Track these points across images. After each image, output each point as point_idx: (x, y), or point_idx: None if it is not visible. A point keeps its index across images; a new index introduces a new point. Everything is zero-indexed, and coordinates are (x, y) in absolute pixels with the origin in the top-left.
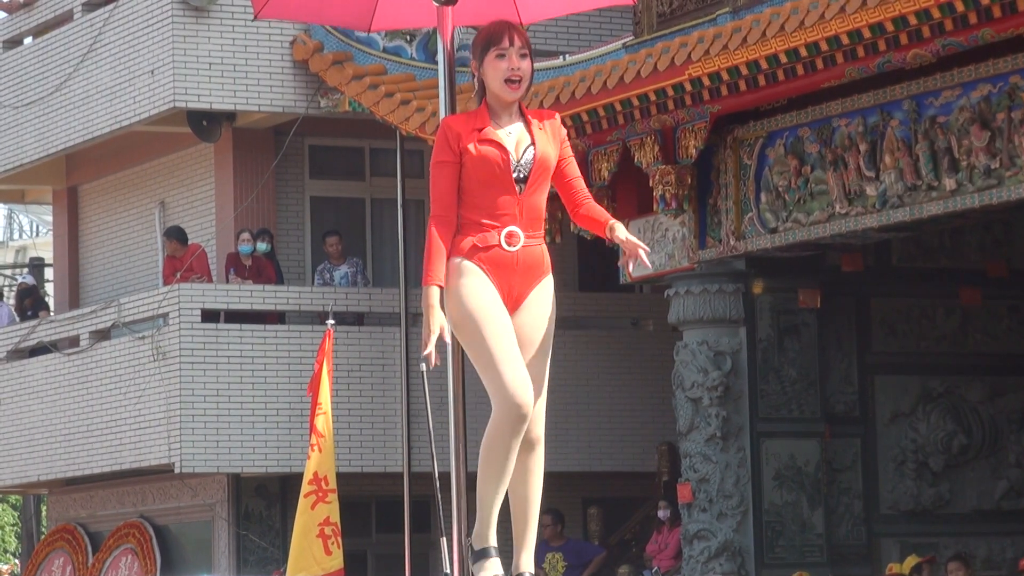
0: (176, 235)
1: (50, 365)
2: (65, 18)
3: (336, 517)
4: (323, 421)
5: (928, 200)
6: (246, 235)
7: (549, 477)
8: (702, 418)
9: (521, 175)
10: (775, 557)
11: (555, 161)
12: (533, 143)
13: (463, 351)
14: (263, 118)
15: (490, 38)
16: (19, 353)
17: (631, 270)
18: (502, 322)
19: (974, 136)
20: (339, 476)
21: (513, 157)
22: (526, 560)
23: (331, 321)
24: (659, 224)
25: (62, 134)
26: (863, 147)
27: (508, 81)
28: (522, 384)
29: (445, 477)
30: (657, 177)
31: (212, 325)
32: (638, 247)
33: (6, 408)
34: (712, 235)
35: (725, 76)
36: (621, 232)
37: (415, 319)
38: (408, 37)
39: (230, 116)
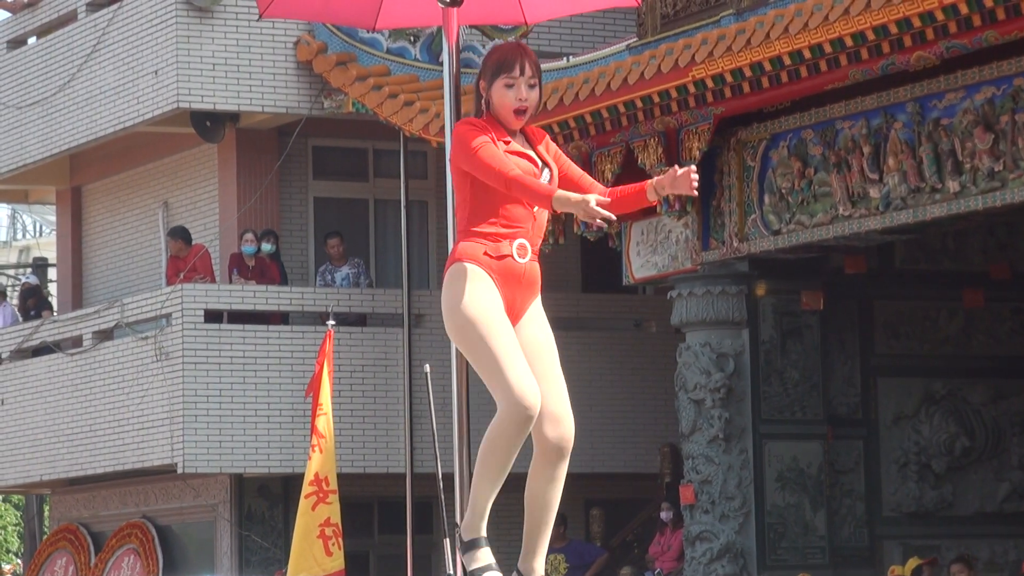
0: (180, 235)
1: (53, 365)
2: (69, 18)
3: (337, 518)
4: (324, 422)
5: (931, 202)
6: (249, 236)
7: None
8: (705, 420)
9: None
10: (777, 559)
11: (559, 173)
12: (547, 164)
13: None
14: (267, 119)
15: (502, 64)
16: (22, 353)
17: (692, 188)
18: (507, 326)
19: (978, 138)
20: (341, 477)
21: (542, 174)
22: (539, 564)
23: (331, 322)
24: (662, 226)
25: (66, 134)
26: (866, 149)
27: (516, 112)
28: (530, 386)
29: (448, 478)
30: None
31: (215, 325)
32: (688, 173)
33: (9, 408)
34: (715, 237)
35: (729, 78)
36: (666, 179)
37: (417, 320)
38: (412, 38)
39: (234, 117)
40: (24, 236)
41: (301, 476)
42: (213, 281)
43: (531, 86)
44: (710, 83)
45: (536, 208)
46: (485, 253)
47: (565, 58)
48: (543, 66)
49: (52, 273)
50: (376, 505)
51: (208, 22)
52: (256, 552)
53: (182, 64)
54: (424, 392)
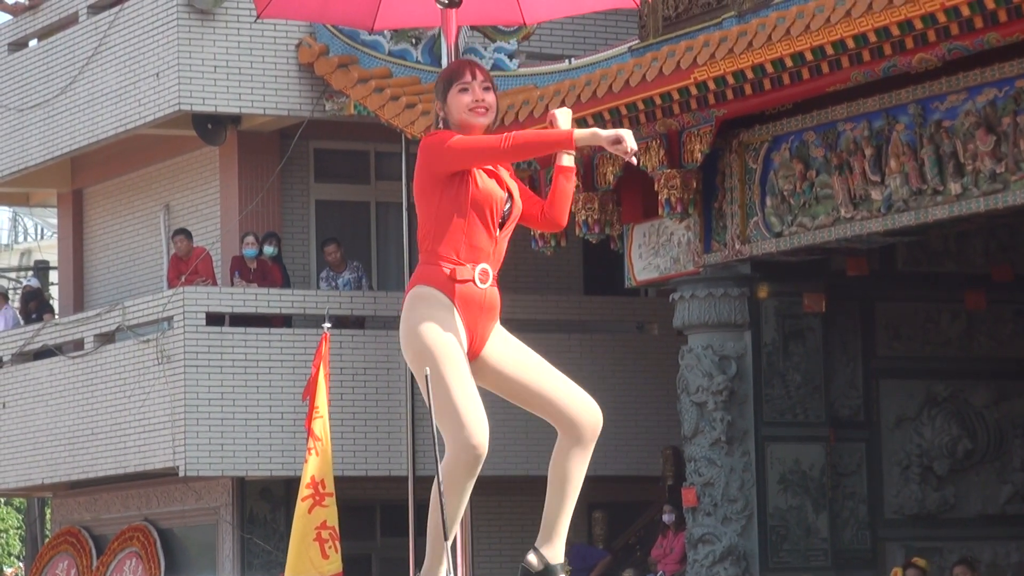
0: (186, 232)
1: (55, 368)
2: (70, 21)
3: (334, 521)
4: (320, 425)
5: (933, 204)
6: (251, 238)
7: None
8: (707, 422)
9: (503, 218)
10: (780, 561)
11: (520, 204)
12: (508, 190)
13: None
14: (268, 121)
15: (452, 75)
16: (24, 356)
17: (632, 158)
18: (462, 362)
19: (979, 140)
20: (344, 480)
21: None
22: (560, 549)
23: (327, 325)
24: (664, 228)
25: (67, 137)
26: (868, 151)
27: (475, 112)
28: (479, 424)
29: None
30: (662, 181)
31: (216, 328)
32: (619, 134)
33: (11, 411)
34: (717, 239)
35: (730, 80)
36: (592, 132)
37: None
38: (413, 40)
39: (235, 119)
40: (25, 239)
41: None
42: (215, 284)
43: (485, 88)
44: (712, 85)
45: (497, 232)
46: (447, 277)
47: (567, 60)
48: (545, 68)
49: (53, 276)
50: (378, 508)
51: (209, 24)
52: (258, 555)
53: (183, 66)
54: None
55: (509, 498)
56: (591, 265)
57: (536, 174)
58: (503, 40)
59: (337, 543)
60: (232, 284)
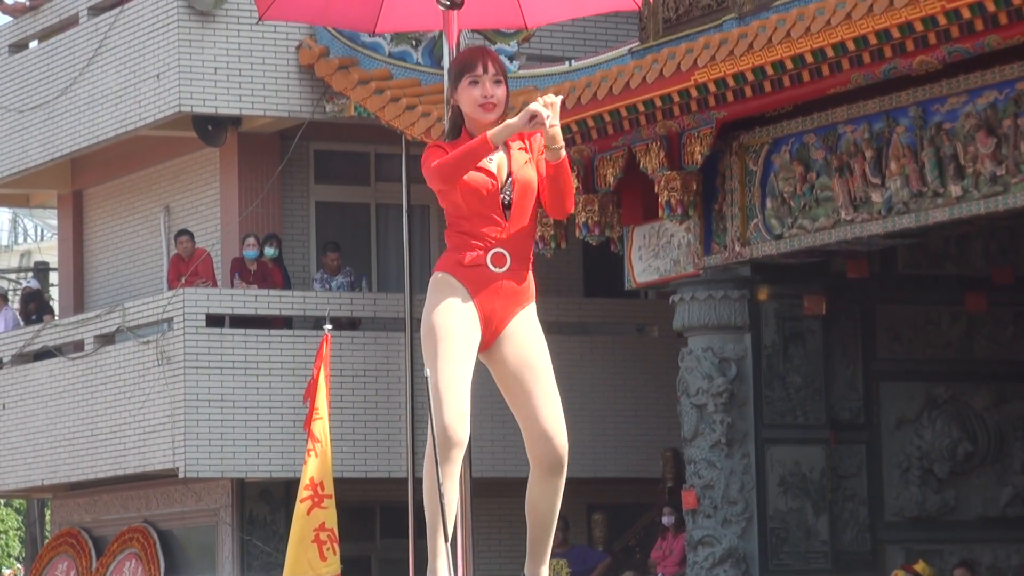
0: (189, 233)
1: (55, 369)
2: (70, 22)
3: (333, 523)
4: (320, 426)
5: (934, 207)
6: (252, 240)
7: None
8: (707, 424)
9: (506, 200)
10: (779, 564)
11: (537, 180)
12: (509, 164)
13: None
14: (268, 123)
15: (464, 65)
16: (24, 357)
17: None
18: (461, 347)
19: (980, 143)
20: (343, 481)
21: (501, 180)
22: (543, 570)
23: (328, 326)
24: (664, 230)
25: (67, 138)
26: (869, 153)
27: (483, 108)
28: (458, 413)
29: None
30: (663, 183)
31: (216, 330)
32: (535, 109)
33: (10, 412)
34: (717, 241)
35: (731, 82)
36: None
37: (418, 325)
38: (414, 42)
39: (235, 121)
40: (25, 240)
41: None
42: (215, 285)
43: (496, 82)
44: (712, 87)
45: (508, 218)
46: (459, 262)
47: (567, 62)
48: (546, 70)
49: (53, 277)
50: (378, 509)
51: (210, 26)
52: (258, 557)
53: (184, 68)
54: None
55: (510, 500)
56: (591, 267)
57: None
58: (503, 42)
59: (336, 545)
60: (232, 285)
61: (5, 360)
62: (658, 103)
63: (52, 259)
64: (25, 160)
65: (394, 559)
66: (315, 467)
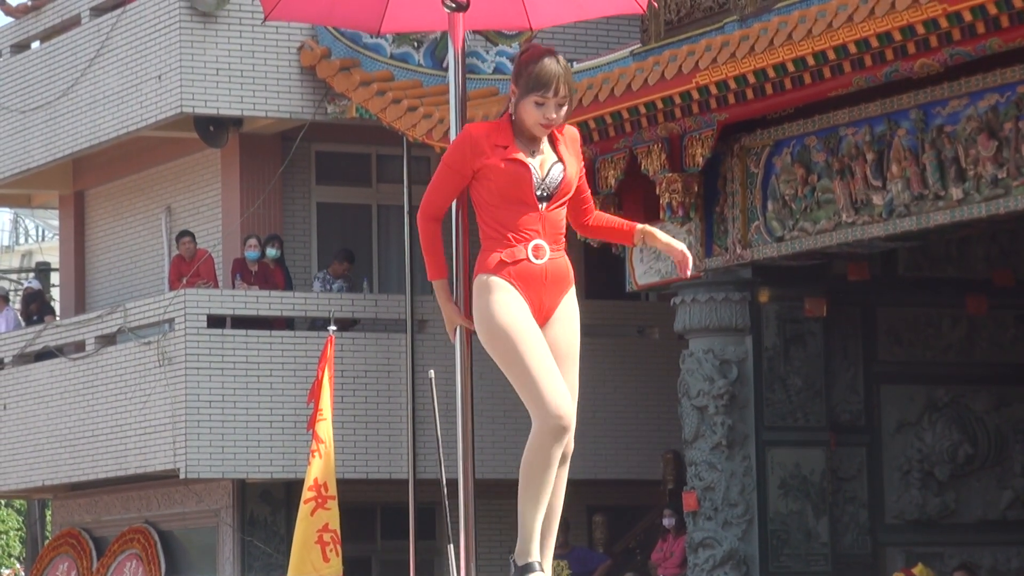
0: (191, 234)
1: (56, 370)
2: (72, 23)
3: (335, 524)
4: (324, 427)
5: (935, 209)
6: (253, 241)
7: None
8: (708, 426)
9: (545, 193)
10: (780, 566)
11: (578, 177)
12: (561, 160)
13: (471, 356)
14: (270, 124)
15: (537, 81)
16: (25, 358)
17: (687, 273)
18: (536, 336)
19: (981, 146)
20: (344, 482)
21: (537, 176)
22: (546, 566)
23: (332, 327)
24: (666, 232)
25: (69, 139)
26: (870, 156)
27: (542, 125)
28: (562, 396)
29: (453, 484)
30: (664, 185)
31: (218, 330)
32: (684, 252)
33: (11, 412)
34: (718, 243)
35: (732, 84)
36: (662, 236)
37: (420, 325)
38: (415, 43)
39: (237, 122)
40: (27, 240)
41: (303, 481)
42: (216, 286)
43: (560, 105)
44: (714, 89)
45: (543, 206)
46: (501, 261)
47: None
48: None
49: (55, 278)
50: (379, 511)
51: (212, 27)
52: (258, 557)
53: (186, 69)
54: (427, 398)
55: (512, 501)
56: (592, 269)
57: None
58: (505, 44)
59: (338, 546)
60: (233, 286)
61: (6, 360)
62: (659, 105)
63: (53, 259)
64: (27, 160)
65: (395, 560)
66: (319, 468)
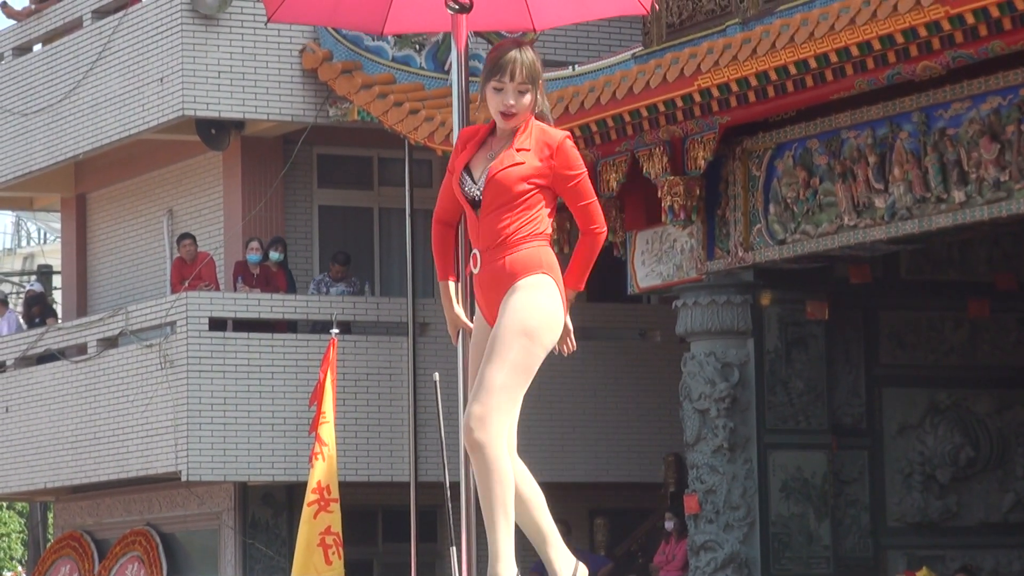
0: (192, 237)
1: (57, 373)
2: (74, 25)
3: (338, 527)
4: (327, 430)
5: (937, 212)
6: (255, 244)
7: (556, 487)
8: (709, 429)
9: (476, 198)
10: (782, 569)
11: (521, 180)
12: (514, 164)
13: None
14: (272, 127)
15: (493, 68)
16: (27, 360)
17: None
18: (474, 359)
19: (983, 148)
20: (346, 485)
21: (469, 182)
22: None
23: (335, 330)
24: (667, 235)
25: (71, 141)
26: (872, 159)
27: (501, 114)
28: (467, 414)
29: (456, 486)
30: (665, 188)
31: (220, 333)
32: (567, 337)
33: (13, 415)
34: (720, 246)
35: (734, 87)
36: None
37: (422, 329)
38: (417, 46)
39: (239, 124)
40: (29, 243)
41: (305, 484)
42: (218, 289)
43: (520, 92)
44: (715, 92)
45: (479, 215)
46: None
47: (570, 67)
48: (549, 75)
49: (56, 280)
50: (380, 513)
51: (213, 30)
52: (260, 560)
53: (187, 72)
54: (429, 401)
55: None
56: (594, 272)
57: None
58: None
59: (340, 549)
60: (235, 289)
61: (8, 363)
62: (661, 108)
63: (55, 262)
64: (29, 163)
65: (396, 563)
66: (322, 471)
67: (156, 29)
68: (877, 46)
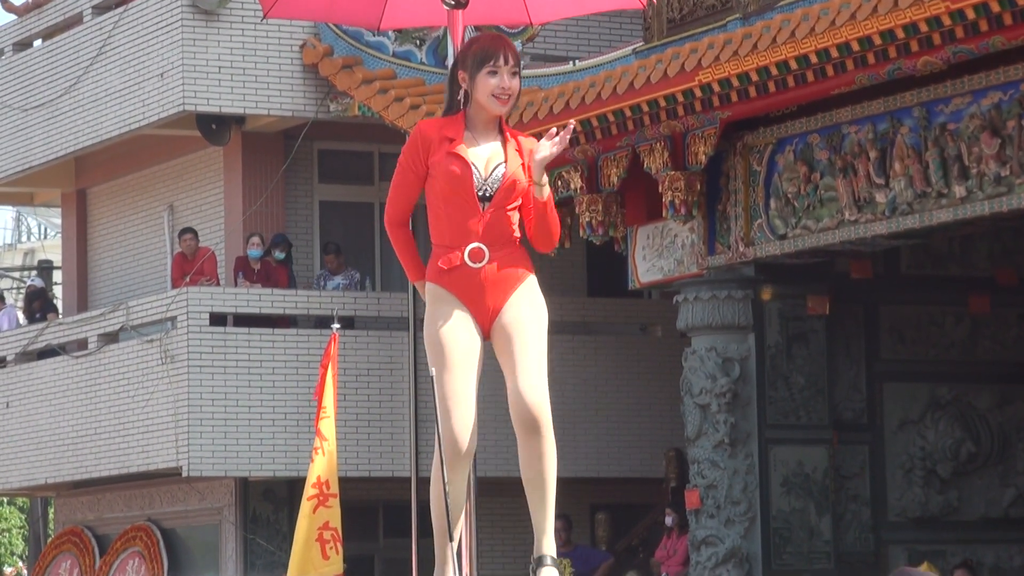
0: (193, 231)
1: (58, 368)
2: (75, 21)
3: (336, 522)
4: (327, 425)
5: (938, 207)
6: (256, 239)
7: (557, 482)
8: (710, 424)
9: (487, 193)
10: (782, 564)
11: (524, 181)
12: (505, 161)
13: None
14: (272, 122)
15: (485, 53)
16: (27, 356)
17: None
18: (459, 356)
19: (984, 143)
20: (346, 480)
21: (479, 175)
22: (547, 544)
23: (336, 325)
24: (668, 230)
25: (71, 137)
26: (873, 154)
27: (498, 98)
28: (464, 424)
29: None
30: (666, 183)
31: (220, 329)
32: (552, 144)
33: (14, 410)
34: (721, 241)
35: (735, 82)
36: (539, 156)
37: (422, 324)
38: (418, 41)
39: (239, 120)
40: (29, 239)
41: (306, 479)
42: (218, 284)
43: (513, 74)
44: (716, 87)
45: (485, 210)
46: (440, 269)
47: (571, 62)
48: (550, 70)
49: (57, 276)
50: (381, 508)
51: (214, 25)
52: (261, 555)
53: (188, 67)
54: (429, 395)
55: (513, 500)
56: (595, 267)
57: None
58: None
59: (338, 544)
60: (236, 284)
61: (9, 359)
62: (662, 103)
63: (56, 258)
64: (29, 159)
65: (397, 558)
66: (322, 466)
67: (156, 24)
68: (878, 41)
